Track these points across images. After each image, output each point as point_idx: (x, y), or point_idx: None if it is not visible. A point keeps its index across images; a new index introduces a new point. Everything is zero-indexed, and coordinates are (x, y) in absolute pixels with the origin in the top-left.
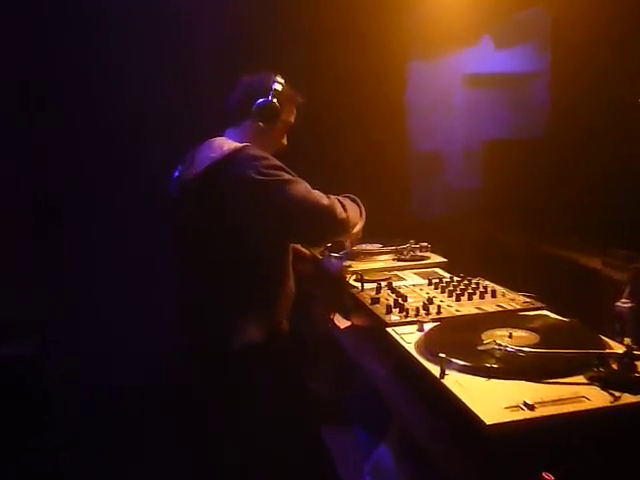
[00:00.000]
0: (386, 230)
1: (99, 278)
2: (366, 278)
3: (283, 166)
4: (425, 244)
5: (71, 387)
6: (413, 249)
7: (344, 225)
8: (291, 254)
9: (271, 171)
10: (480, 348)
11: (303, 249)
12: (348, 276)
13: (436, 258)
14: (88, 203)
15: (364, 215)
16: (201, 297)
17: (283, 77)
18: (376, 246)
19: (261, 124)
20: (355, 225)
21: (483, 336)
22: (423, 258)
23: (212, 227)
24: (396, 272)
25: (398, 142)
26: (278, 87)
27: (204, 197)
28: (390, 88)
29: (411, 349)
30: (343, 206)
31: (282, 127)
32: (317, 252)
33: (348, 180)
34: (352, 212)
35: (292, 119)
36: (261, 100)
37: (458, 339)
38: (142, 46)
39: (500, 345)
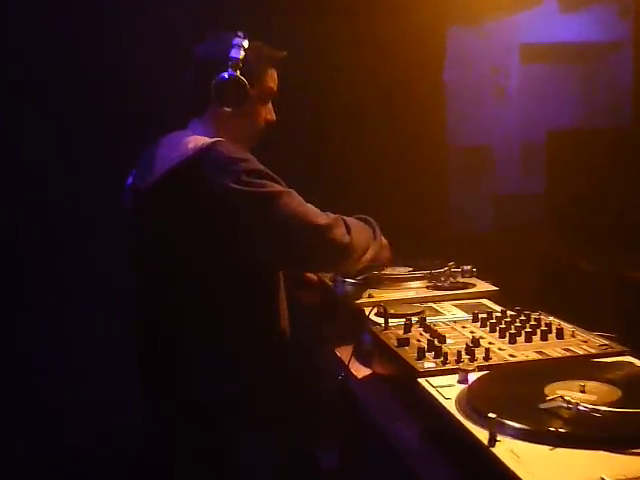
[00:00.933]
0: (418, 248)
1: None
2: (391, 312)
3: (267, 171)
4: (469, 267)
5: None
6: (453, 274)
7: (347, 251)
8: (281, 284)
9: (253, 179)
10: (543, 406)
11: (308, 274)
12: (368, 309)
13: (483, 286)
14: None
15: (380, 238)
16: (163, 338)
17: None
18: (405, 270)
19: (227, 109)
20: (365, 251)
21: (546, 390)
22: (466, 286)
23: (176, 250)
24: (431, 304)
25: (434, 134)
26: (238, 52)
27: (165, 212)
28: (424, 63)
29: (450, 407)
30: (347, 227)
31: (259, 102)
32: (327, 277)
33: (367, 184)
34: (359, 235)
35: (272, 85)
36: (219, 77)
37: (513, 394)
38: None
39: (569, 402)
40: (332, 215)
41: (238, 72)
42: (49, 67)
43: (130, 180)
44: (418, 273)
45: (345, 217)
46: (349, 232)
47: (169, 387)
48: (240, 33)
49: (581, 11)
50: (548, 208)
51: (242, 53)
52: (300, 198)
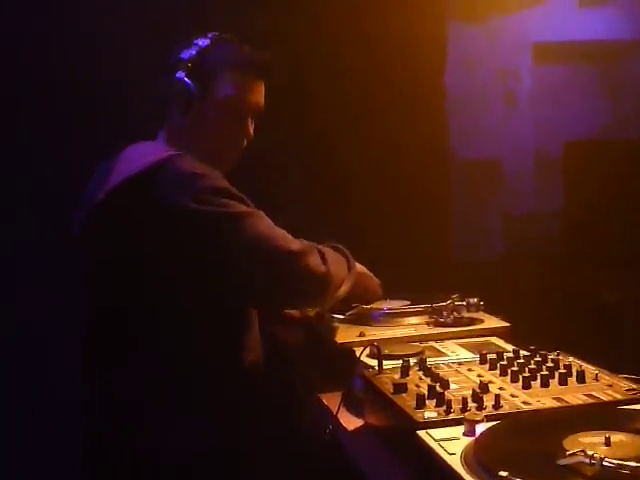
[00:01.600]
0: (417, 278)
1: None
2: (386, 352)
3: (231, 189)
4: (475, 300)
5: None
6: (457, 308)
7: (322, 281)
8: (251, 317)
9: (213, 197)
10: (562, 462)
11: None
12: (359, 349)
13: (492, 322)
14: None
15: (354, 268)
16: (108, 387)
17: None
18: (401, 303)
19: (179, 118)
20: (341, 283)
21: (566, 443)
22: (472, 322)
23: (123, 275)
24: (432, 343)
25: (434, 146)
26: (188, 53)
27: (112, 231)
28: (422, 65)
29: (455, 463)
30: (322, 255)
31: (218, 112)
32: (311, 312)
33: (359, 202)
34: (334, 265)
35: (235, 92)
36: (163, 82)
37: (527, 448)
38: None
39: (592, 457)
40: (305, 242)
41: (187, 74)
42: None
43: (83, 197)
44: (417, 307)
45: (318, 245)
46: (324, 261)
47: (113, 429)
48: (212, 34)
49: (601, 5)
50: (565, 230)
51: (193, 54)
52: (269, 221)
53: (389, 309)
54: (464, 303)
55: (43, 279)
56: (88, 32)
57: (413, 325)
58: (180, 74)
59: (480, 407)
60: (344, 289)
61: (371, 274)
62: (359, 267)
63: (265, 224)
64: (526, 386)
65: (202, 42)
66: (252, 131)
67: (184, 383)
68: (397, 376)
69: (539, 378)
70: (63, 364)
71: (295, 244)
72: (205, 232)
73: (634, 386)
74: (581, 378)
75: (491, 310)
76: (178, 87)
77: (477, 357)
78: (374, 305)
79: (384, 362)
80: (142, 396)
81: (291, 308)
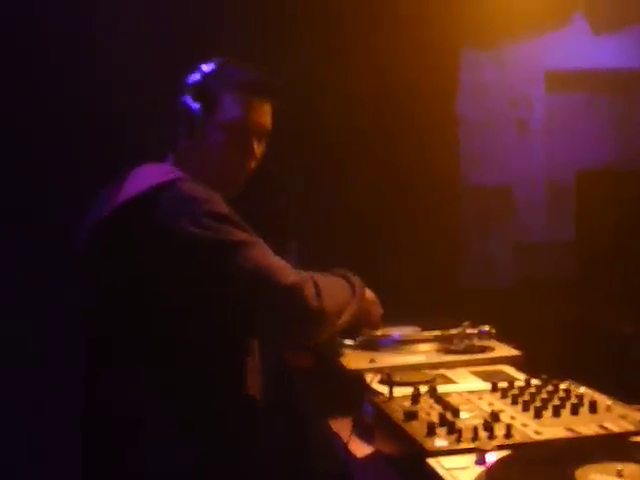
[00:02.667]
0: (428, 306)
1: None
2: (397, 380)
3: (232, 215)
4: (486, 328)
5: None
6: (468, 335)
7: (315, 317)
8: (253, 346)
9: (213, 222)
10: None
11: None
12: (369, 376)
13: (503, 350)
14: None
15: (359, 294)
16: (97, 410)
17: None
18: (412, 330)
19: (185, 141)
20: (340, 313)
21: (578, 474)
22: (484, 349)
23: (121, 297)
24: (443, 371)
25: (445, 174)
26: (194, 77)
27: (112, 251)
28: (434, 93)
29: None
30: (317, 288)
31: (223, 134)
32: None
33: (369, 229)
34: (332, 296)
35: (240, 113)
36: (174, 106)
37: (539, 479)
38: None
39: None
40: (302, 273)
41: (192, 97)
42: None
43: (87, 218)
44: (427, 335)
45: (317, 275)
46: (319, 294)
47: (114, 458)
48: (217, 59)
49: (616, 32)
50: (578, 259)
51: (198, 78)
52: (267, 250)
53: (400, 336)
54: (475, 331)
55: (45, 295)
56: (99, 54)
57: (424, 352)
58: (185, 98)
59: (491, 436)
60: (344, 319)
61: (377, 302)
62: (368, 294)
63: (262, 254)
64: (537, 416)
65: (207, 67)
66: (259, 153)
67: (181, 410)
68: (408, 403)
69: (550, 408)
70: (61, 377)
71: (290, 277)
72: (202, 258)
73: None
74: (593, 408)
75: (502, 338)
76: (183, 111)
77: (488, 385)
78: (385, 332)
79: (394, 389)
80: (140, 422)
81: (283, 341)
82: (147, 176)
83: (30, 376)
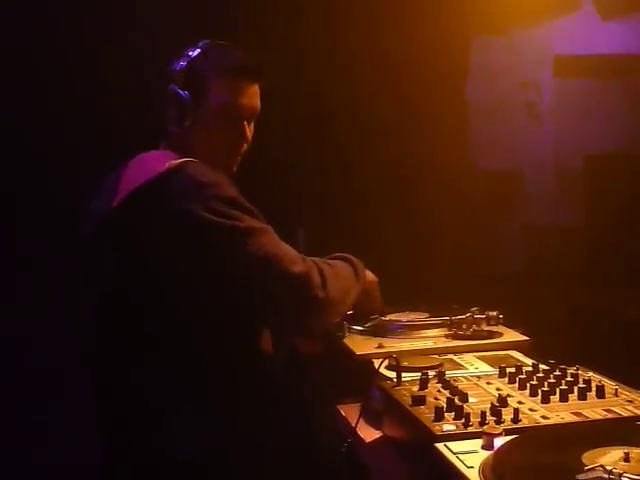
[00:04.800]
0: (435, 292)
1: None
2: (405, 365)
3: (241, 199)
4: (495, 314)
5: None
6: (476, 321)
7: (320, 305)
8: (263, 331)
9: (225, 208)
10: (580, 477)
11: None
12: (377, 361)
13: (512, 335)
14: None
15: (363, 279)
16: (118, 394)
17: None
18: (420, 316)
19: (175, 128)
20: (343, 299)
21: (585, 458)
22: (492, 335)
23: (137, 281)
24: (451, 356)
25: (454, 158)
26: (180, 63)
27: (124, 239)
28: (443, 78)
29: (474, 476)
30: (323, 276)
31: (213, 118)
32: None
33: (379, 215)
34: (336, 285)
35: (228, 96)
36: (163, 94)
37: (546, 463)
38: None
39: (611, 473)
40: (308, 262)
41: (178, 85)
42: None
43: (91, 205)
44: (436, 320)
45: (322, 262)
46: (324, 282)
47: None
48: (203, 42)
49: (625, 18)
50: (587, 244)
51: (183, 64)
52: (274, 237)
53: (408, 321)
54: (483, 316)
55: (52, 284)
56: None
57: (432, 337)
58: (172, 85)
59: (499, 421)
60: (349, 303)
61: (376, 283)
62: (369, 275)
63: (271, 241)
64: (545, 400)
65: (192, 52)
66: (250, 134)
67: (200, 385)
68: (416, 388)
69: (558, 392)
70: (73, 365)
71: (297, 266)
72: (214, 244)
73: None
74: (601, 393)
75: (511, 323)
76: (172, 98)
77: (496, 370)
78: (393, 317)
79: (403, 374)
80: (159, 397)
81: (292, 327)
82: (153, 162)
83: (47, 365)
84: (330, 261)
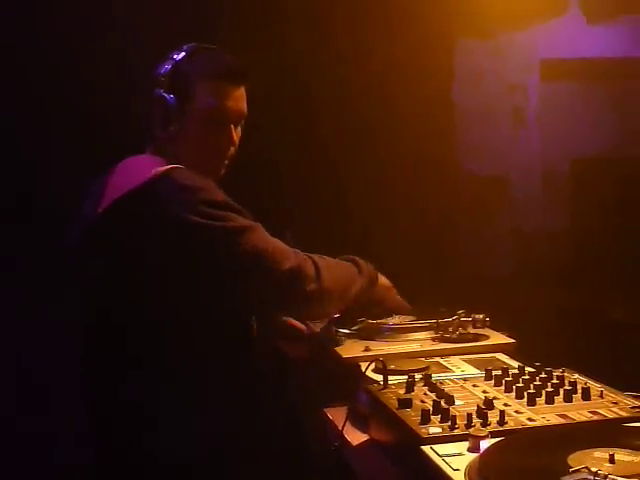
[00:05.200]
0: (422, 294)
1: None
2: (391, 367)
3: (229, 201)
4: (481, 316)
5: None
6: (463, 324)
7: (315, 296)
8: (252, 330)
9: (213, 210)
10: (566, 479)
11: (296, 322)
12: (364, 364)
13: (498, 338)
14: None
15: (367, 274)
16: (107, 394)
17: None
18: (407, 319)
19: (161, 132)
20: (342, 291)
21: (570, 460)
22: (478, 338)
23: (125, 288)
24: (437, 359)
25: (441, 163)
26: (164, 67)
27: (112, 245)
28: (429, 81)
29: (459, 479)
30: (316, 268)
31: (199, 122)
32: (316, 326)
33: (365, 217)
34: (331, 277)
35: (213, 100)
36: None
37: (532, 465)
38: None
39: (596, 474)
40: (300, 255)
41: (164, 89)
42: None
43: (79, 212)
44: (422, 323)
45: (316, 255)
46: (318, 275)
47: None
48: (187, 45)
49: (611, 21)
50: (573, 247)
51: (168, 68)
52: (265, 234)
53: (395, 324)
54: (470, 319)
55: (39, 290)
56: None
57: (419, 340)
58: (158, 89)
59: (485, 423)
60: (350, 295)
61: (392, 288)
62: (382, 280)
63: (260, 238)
64: (531, 403)
65: (177, 55)
66: (237, 138)
67: (195, 386)
68: (402, 391)
69: (544, 395)
70: (59, 368)
71: (288, 260)
72: (204, 245)
73: (639, 403)
74: (586, 395)
75: (497, 326)
76: (157, 101)
77: (482, 373)
78: (379, 320)
79: (389, 377)
80: (149, 399)
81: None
82: (139, 168)
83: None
84: (327, 257)
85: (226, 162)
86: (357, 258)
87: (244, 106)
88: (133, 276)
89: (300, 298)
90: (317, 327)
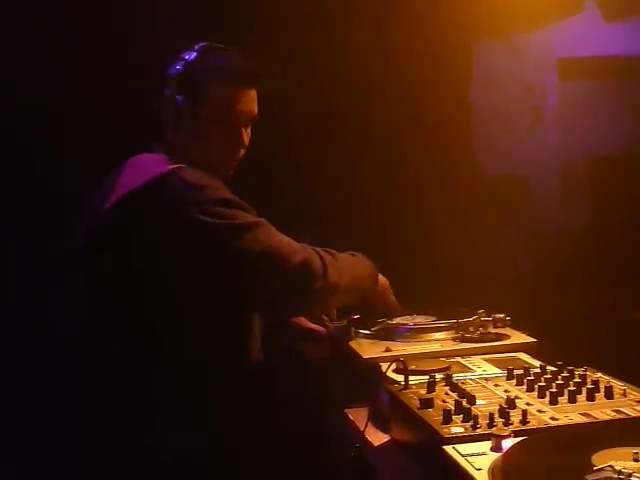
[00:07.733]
0: (443, 294)
1: None
2: (412, 368)
3: (235, 199)
4: (501, 316)
5: None
6: (483, 323)
7: (321, 291)
8: (255, 328)
9: (219, 208)
10: (590, 478)
11: (314, 325)
12: (385, 365)
13: (519, 337)
14: None
15: (369, 271)
16: (107, 392)
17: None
18: (427, 319)
19: (171, 133)
20: (344, 289)
21: (594, 459)
22: (499, 337)
23: (132, 284)
24: (458, 358)
25: (459, 163)
26: (176, 68)
27: (118, 244)
28: (447, 83)
29: (482, 479)
30: (323, 262)
31: (211, 123)
32: (337, 328)
33: (385, 219)
34: (337, 271)
35: (228, 101)
36: (158, 98)
37: (555, 464)
38: None
39: (621, 473)
40: (308, 249)
41: (174, 90)
42: None
43: (86, 210)
44: (443, 323)
45: (322, 249)
46: (325, 269)
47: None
48: (199, 45)
49: (629, 19)
50: (593, 246)
51: (179, 69)
52: (273, 230)
53: (415, 324)
54: (490, 319)
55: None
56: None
57: (439, 341)
58: (168, 90)
59: (507, 423)
60: (355, 287)
61: (389, 287)
62: (381, 279)
63: (268, 235)
64: (553, 402)
65: (188, 56)
66: (247, 139)
67: (196, 384)
68: (423, 391)
69: (566, 394)
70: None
71: (298, 254)
72: (212, 243)
73: None
74: (609, 394)
75: (518, 326)
76: (167, 103)
77: (504, 373)
78: (400, 320)
79: (410, 378)
80: (153, 396)
81: (290, 316)
82: (146, 167)
83: (35, 368)
84: (334, 251)
85: (235, 163)
86: (360, 255)
87: (255, 108)
88: (138, 272)
89: (308, 291)
90: (330, 325)
